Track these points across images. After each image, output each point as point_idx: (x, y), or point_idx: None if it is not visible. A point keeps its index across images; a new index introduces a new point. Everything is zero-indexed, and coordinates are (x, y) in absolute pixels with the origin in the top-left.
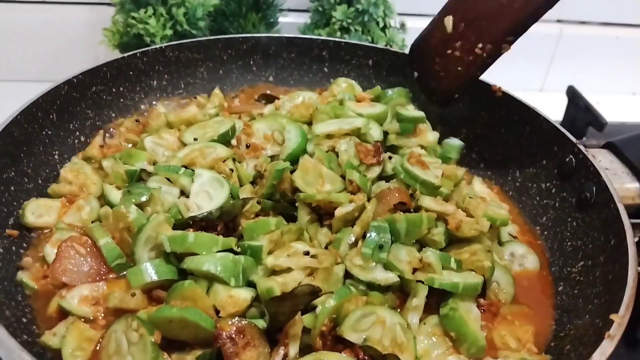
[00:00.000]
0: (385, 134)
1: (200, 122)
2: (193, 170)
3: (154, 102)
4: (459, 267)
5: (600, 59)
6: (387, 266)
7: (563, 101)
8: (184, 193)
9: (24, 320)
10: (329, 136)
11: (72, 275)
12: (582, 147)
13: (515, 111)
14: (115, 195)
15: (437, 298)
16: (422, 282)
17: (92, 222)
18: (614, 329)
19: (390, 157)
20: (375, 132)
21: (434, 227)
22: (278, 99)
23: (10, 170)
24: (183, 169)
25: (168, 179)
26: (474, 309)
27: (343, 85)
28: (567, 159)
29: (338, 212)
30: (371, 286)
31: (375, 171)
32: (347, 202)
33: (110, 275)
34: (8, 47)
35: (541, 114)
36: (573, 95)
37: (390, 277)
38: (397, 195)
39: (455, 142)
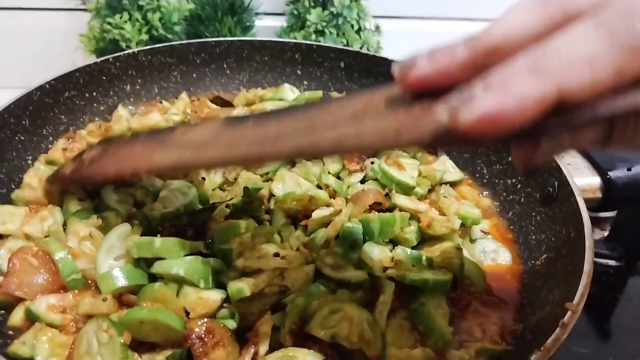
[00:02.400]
0: None
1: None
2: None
3: (116, 102)
4: (430, 265)
5: None
6: (359, 265)
7: None
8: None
9: None
10: None
11: (26, 289)
12: None
13: None
14: (74, 205)
15: (409, 295)
16: (393, 279)
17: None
18: (568, 317)
19: (372, 162)
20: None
21: (407, 225)
22: (232, 103)
23: None
24: (139, 184)
25: None
26: (443, 305)
27: (290, 93)
28: None
29: (315, 215)
30: (341, 284)
31: (358, 177)
32: (327, 200)
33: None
34: None
35: None
36: None
37: (360, 275)
38: (371, 195)
39: None
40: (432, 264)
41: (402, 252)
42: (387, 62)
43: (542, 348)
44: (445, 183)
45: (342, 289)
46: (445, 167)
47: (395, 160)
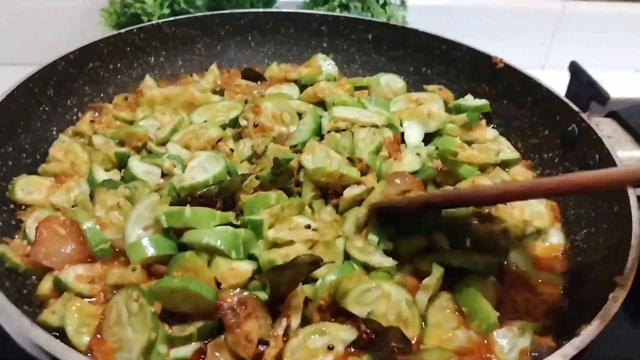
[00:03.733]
0: None
1: (199, 100)
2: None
3: (140, 75)
4: (475, 247)
5: (603, 36)
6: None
7: (565, 79)
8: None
9: (24, 293)
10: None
11: (54, 259)
12: (584, 116)
13: (517, 82)
14: (101, 175)
15: (453, 275)
16: (441, 263)
17: (73, 207)
18: (617, 291)
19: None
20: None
21: None
22: (264, 77)
23: (7, 145)
24: (167, 154)
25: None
26: (489, 287)
27: (323, 63)
28: (570, 128)
29: (347, 193)
30: (366, 267)
31: (391, 163)
32: (358, 178)
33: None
34: (3, 31)
35: (544, 85)
36: (576, 70)
37: (386, 262)
38: (407, 180)
39: (477, 103)
40: (478, 245)
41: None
42: (417, 34)
43: (591, 323)
44: (499, 164)
45: (380, 271)
46: (500, 146)
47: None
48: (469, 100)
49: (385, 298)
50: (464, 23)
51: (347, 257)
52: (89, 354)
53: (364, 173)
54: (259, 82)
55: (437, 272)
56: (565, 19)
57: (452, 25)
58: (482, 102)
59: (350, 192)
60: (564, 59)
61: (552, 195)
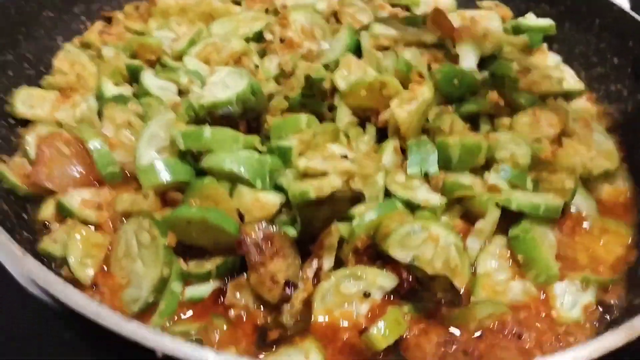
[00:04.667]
0: None
1: (219, 11)
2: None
3: None
4: (535, 188)
5: None
6: (445, 187)
7: None
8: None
9: (24, 217)
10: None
11: (57, 180)
12: None
13: (583, 1)
14: (110, 89)
15: (509, 219)
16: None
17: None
18: None
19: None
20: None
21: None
22: None
23: (6, 53)
24: (184, 69)
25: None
26: (549, 235)
27: None
28: None
29: (394, 104)
30: (410, 206)
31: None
32: (400, 89)
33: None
34: None
35: (616, 4)
36: None
37: (433, 199)
38: None
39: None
40: (538, 186)
41: (503, 175)
42: None
43: None
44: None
45: (426, 211)
46: (562, 74)
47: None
48: (531, 20)
49: (432, 242)
50: None
51: (387, 194)
52: (93, 288)
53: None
54: None
55: (493, 215)
56: None
57: None
58: (547, 22)
59: (407, 108)
60: None
61: None
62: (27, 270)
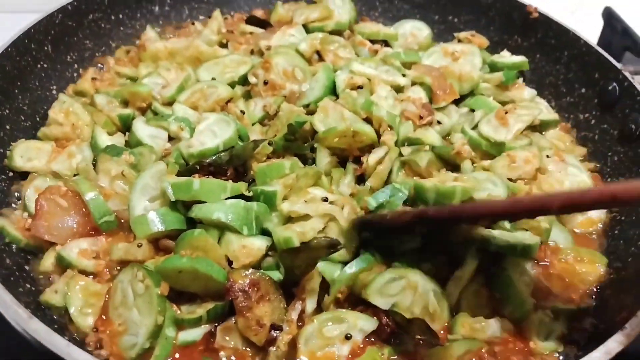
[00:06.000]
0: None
1: (205, 55)
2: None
3: (144, 27)
4: (513, 227)
5: None
6: None
7: (598, 26)
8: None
9: (26, 269)
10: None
11: (55, 233)
12: (627, 74)
13: (553, 35)
14: (104, 140)
15: (488, 257)
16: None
17: (75, 175)
18: None
19: (439, 122)
20: (420, 94)
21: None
22: (269, 23)
23: (4, 108)
24: (174, 116)
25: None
26: (527, 272)
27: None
28: (610, 87)
29: (372, 159)
30: (389, 251)
31: (431, 132)
32: (372, 134)
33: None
34: None
35: (582, 38)
36: (610, 17)
37: (414, 241)
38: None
39: (514, 60)
40: (515, 225)
41: None
42: None
43: (637, 314)
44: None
45: (401, 259)
46: (538, 106)
47: (504, 117)
48: (505, 57)
49: (411, 289)
50: None
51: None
52: (95, 332)
53: (380, 135)
54: (265, 30)
55: (471, 264)
56: None
57: None
58: (520, 59)
59: (374, 157)
60: (597, 4)
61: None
62: (32, 331)
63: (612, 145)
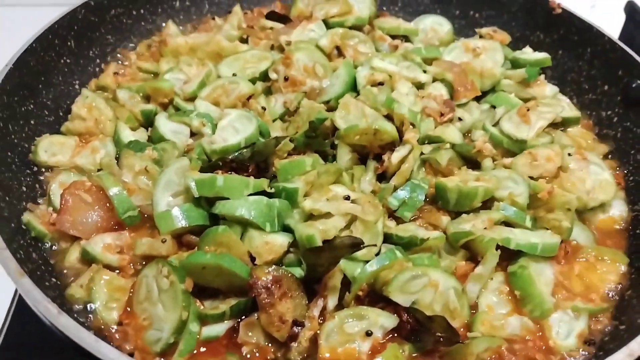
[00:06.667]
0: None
1: (227, 50)
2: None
3: (165, 22)
4: (533, 226)
5: None
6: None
7: (619, 21)
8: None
9: (52, 263)
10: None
11: (80, 227)
12: None
13: (576, 31)
14: (127, 135)
15: (507, 257)
16: (497, 246)
17: (98, 170)
18: None
19: (459, 119)
20: (441, 90)
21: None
22: (288, 18)
23: (28, 103)
24: (196, 112)
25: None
26: (546, 271)
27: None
28: (634, 85)
29: (395, 158)
30: (412, 244)
31: (452, 130)
32: (394, 132)
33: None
34: None
35: (606, 34)
36: (632, 11)
37: (433, 234)
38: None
39: (537, 56)
40: (536, 224)
41: (501, 212)
42: None
43: None
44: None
45: (426, 253)
46: (560, 103)
47: (526, 114)
48: (528, 54)
49: (432, 287)
50: None
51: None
52: (119, 325)
53: (401, 132)
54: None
55: (492, 260)
56: None
57: None
58: (542, 55)
59: (397, 155)
60: None
61: None
62: (62, 326)
63: (635, 143)
